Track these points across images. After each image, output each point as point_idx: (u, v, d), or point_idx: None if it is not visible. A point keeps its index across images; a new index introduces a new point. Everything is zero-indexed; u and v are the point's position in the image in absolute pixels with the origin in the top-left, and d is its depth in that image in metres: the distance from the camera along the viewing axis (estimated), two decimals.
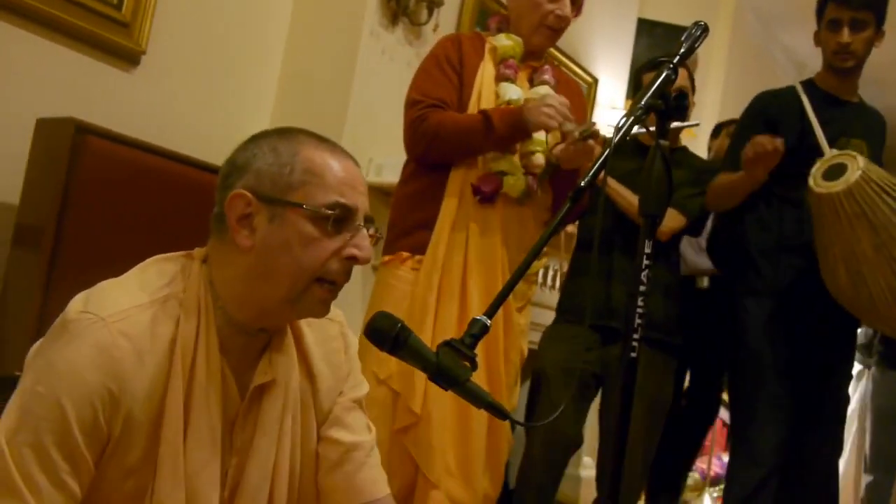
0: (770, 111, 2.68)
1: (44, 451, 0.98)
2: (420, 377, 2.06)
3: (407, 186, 2.28)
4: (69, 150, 2.05)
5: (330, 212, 1.09)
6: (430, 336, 2.09)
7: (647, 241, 1.29)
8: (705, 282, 3.55)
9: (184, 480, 1.07)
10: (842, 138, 2.57)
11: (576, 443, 2.74)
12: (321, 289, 1.11)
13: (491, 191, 2.15)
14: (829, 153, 2.39)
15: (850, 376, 2.75)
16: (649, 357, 2.50)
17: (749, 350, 2.66)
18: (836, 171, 2.30)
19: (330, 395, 1.26)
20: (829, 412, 2.69)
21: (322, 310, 1.15)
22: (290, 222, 1.09)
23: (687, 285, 3.94)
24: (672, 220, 2.63)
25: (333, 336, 1.29)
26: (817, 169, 2.34)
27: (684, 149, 2.99)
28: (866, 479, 4.22)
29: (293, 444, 1.21)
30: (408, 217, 2.23)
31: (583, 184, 1.22)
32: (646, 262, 1.29)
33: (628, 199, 2.60)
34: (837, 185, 2.26)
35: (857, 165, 2.25)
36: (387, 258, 2.25)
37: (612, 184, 2.61)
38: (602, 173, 1.28)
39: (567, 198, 1.24)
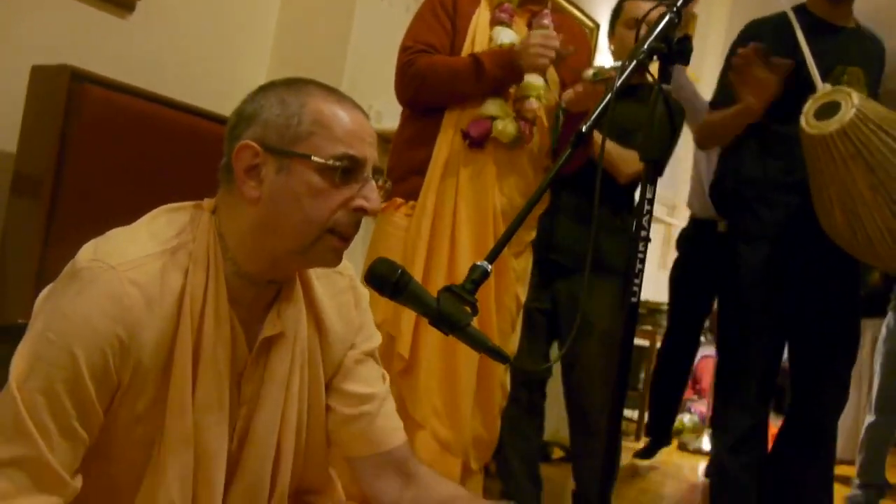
0: (760, 41, 2.55)
1: (55, 398, 0.99)
2: (407, 322, 2.09)
3: (403, 132, 2.28)
4: (65, 97, 2.04)
5: (338, 163, 1.08)
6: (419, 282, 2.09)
7: (648, 187, 1.28)
8: (722, 226, 3.57)
9: (192, 429, 1.08)
10: (838, 66, 2.50)
11: (535, 376, 2.83)
12: (332, 239, 1.11)
13: (479, 135, 2.13)
14: (822, 89, 2.30)
15: (855, 322, 2.70)
16: (603, 288, 2.58)
17: (740, 299, 2.63)
18: (829, 110, 2.22)
19: (340, 348, 1.27)
20: (832, 360, 2.63)
21: (333, 259, 1.14)
22: (297, 173, 1.08)
23: (708, 229, 4.00)
24: (633, 163, 2.62)
25: (343, 289, 1.29)
26: (809, 107, 2.25)
27: (650, 86, 2.92)
28: (868, 419, 4.28)
29: (301, 397, 1.22)
30: (402, 163, 2.23)
31: (584, 129, 1.21)
32: (647, 207, 1.28)
33: (616, 158, 2.63)
34: (831, 125, 2.18)
35: (852, 103, 2.17)
36: (384, 205, 2.24)
37: (608, 145, 2.61)
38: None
39: (568, 143, 1.23)
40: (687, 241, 4.35)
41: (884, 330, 4.30)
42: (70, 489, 1.01)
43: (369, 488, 1.27)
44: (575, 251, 2.75)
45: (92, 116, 2.06)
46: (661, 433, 4.52)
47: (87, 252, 1.06)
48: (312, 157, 1.08)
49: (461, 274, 2.17)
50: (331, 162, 1.08)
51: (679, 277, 4.37)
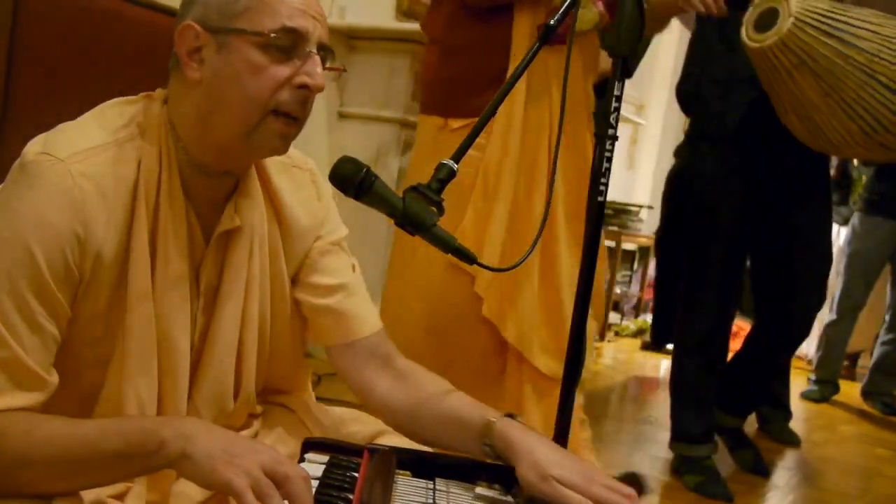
0: None
1: (20, 297, 0.97)
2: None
3: (456, 38, 2.06)
4: None
5: (275, 35, 1.05)
6: (507, 211, 2.01)
7: (617, 84, 1.26)
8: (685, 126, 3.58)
9: (153, 319, 1.08)
10: None
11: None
12: (277, 121, 1.07)
13: (564, 29, 2.02)
14: None
15: (827, 215, 2.69)
16: None
17: (702, 201, 2.64)
18: (768, 18, 2.12)
19: (304, 240, 1.26)
20: (803, 260, 2.64)
21: (280, 144, 1.11)
22: (236, 50, 1.05)
23: None
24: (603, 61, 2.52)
25: (304, 183, 1.27)
26: (749, 17, 2.18)
27: None
28: (829, 318, 4.38)
29: (262, 290, 1.21)
30: (465, 74, 2.04)
31: (552, 22, 1.18)
32: (614, 104, 1.27)
33: None
34: (769, 38, 2.10)
35: (789, 11, 2.07)
36: (439, 123, 2.08)
37: None
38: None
39: (538, 38, 1.20)
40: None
41: (848, 231, 4.36)
42: (49, 384, 1.01)
43: (357, 382, 1.27)
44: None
45: (41, 11, 1.98)
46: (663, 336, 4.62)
47: (36, 146, 1.03)
48: (248, 31, 1.04)
49: (564, 206, 2.05)
50: (269, 36, 1.04)
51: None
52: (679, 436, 2.76)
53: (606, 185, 1.27)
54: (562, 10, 1.20)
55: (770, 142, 2.47)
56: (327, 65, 1.11)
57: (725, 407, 2.88)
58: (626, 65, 1.27)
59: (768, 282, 2.73)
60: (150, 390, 1.08)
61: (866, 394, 4.47)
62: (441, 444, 1.21)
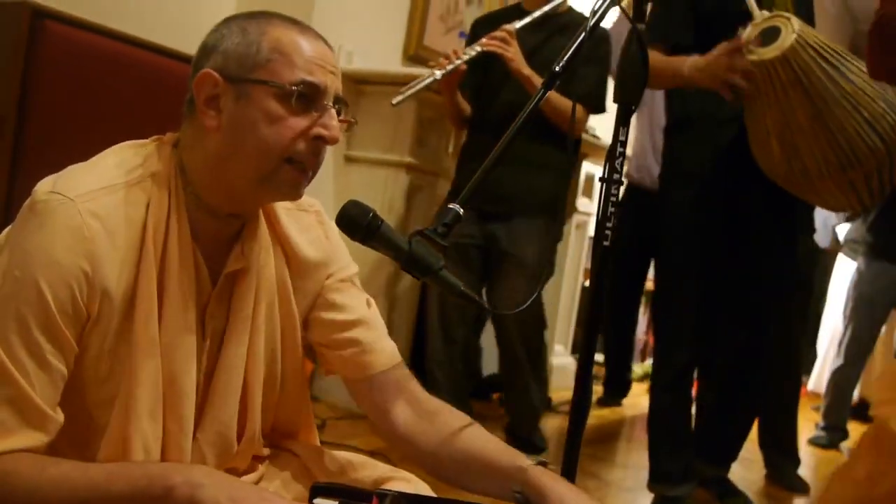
0: None
1: (28, 334, 0.98)
2: None
3: None
4: (27, 35, 1.98)
5: (294, 88, 1.07)
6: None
7: (621, 129, 1.27)
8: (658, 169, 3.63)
9: (160, 363, 1.08)
10: None
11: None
12: (292, 170, 1.09)
13: None
14: (760, 16, 2.21)
15: (791, 252, 2.65)
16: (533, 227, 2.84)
17: (673, 240, 2.63)
18: (769, 36, 2.14)
19: (315, 278, 1.26)
20: (774, 300, 2.65)
21: (292, 192, 1.13)
22: (255, 100, 1.07)
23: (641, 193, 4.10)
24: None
25: (311, 224, 1.28)
26: (749, 33, 2.18)
27: (570, 11, 2.99)
28: (836, 363, 4.35)
29: (271, 331, 1.21)
30: None
31: (557, 69, 1.19)
32: (619, 150, 1.27)
33: (561, 107, 2.79)
34: (771, 51, 2.11)
35: (792, 28, 2.10)
36: None
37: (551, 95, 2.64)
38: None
39: (543, 84, 1.22)
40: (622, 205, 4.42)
41: (855, 274, 4.34)
42: (55, 422, 1.01)
43: (379, 417, 1.27)
44: (507, 195, 2.93)
45: (54, 54, 2.01)
46: (618, 384, 4.61)
47: (46, 185, 1.05)
48: (269, 83, 1.06)
49: None
50: (288, 87, 1.06)
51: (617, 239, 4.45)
52: (657, 477, 2.70)
53: (613, 229, 1.28)
54: (567, 55, 1.21)
55: (741, 183, 2.47)
56: (341, 116, 1.13)
57: (706, 456, 2.83)
58: (631, 112, 1.29)
59: (732, 321, 2.74)
60: (154, 432, 1.08)
61: None
62: (464, 483, 1.21)
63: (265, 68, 1.07)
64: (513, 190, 2.92)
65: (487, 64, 2.93)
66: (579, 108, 2.82)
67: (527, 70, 2.79)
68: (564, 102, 2.80)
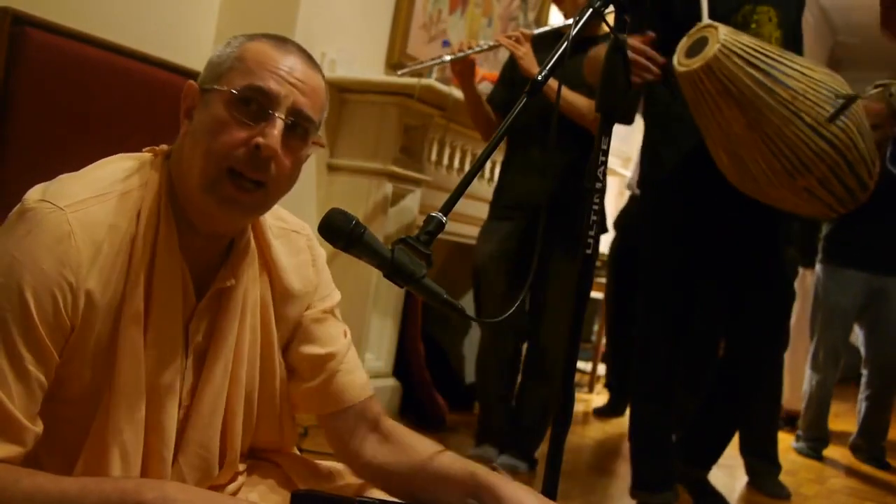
0: None
1: (9, 342, 0.97)
2: None
3: None
4: (7, 42, 1.97)
5: (235, 92, 1.05)
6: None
7: (603, 138, 1.28)
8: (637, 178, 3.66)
9: (143, 374, 1.07)
10: (746, 6, 2.40)
11: (519, 328, 3.03)
12: (230, 184, 1.05)
13: None
14: (696, 27, 2.17)
15: (774, 259, 2.64)
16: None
17: (651, 248, 2.64)
18: (699, 47, 2.11)
19: (297, 306, 1.25)
20: (757, 305, 2.63)
21: (227, 208, 1.07)
22: (210, 107, 1.07)
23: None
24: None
25: (301, 248, 1.28)
26: (682, 45, 2.17)
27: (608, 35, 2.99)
28: (812, 377, 4.35)
29: (252, 354, 1.20)
30: None
31: (539, 78, 1.20)
32: (601, 159, 1.28)
33: (578, 106, 2.76)
34: (695, 62, 2.08)
35: (717, 38, 2.06)
36: None
37: (565, 93, 2.69)
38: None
39: (523, 93, 1.22)
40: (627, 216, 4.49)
41: (818, 286, 4.31)
42: (31, 434, 1.00)
43: (346, 448, 1.26)
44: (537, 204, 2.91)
45: (35, 61, 1.99)
46: (620, 396, 4.57)
47: (36, 193, 1.04)
48: (220, 88, 1.06)
49: None
50: (233, 92, 1.05)
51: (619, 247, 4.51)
52: (639, 484, 2.70)
53: (596, 237, 1.28)
54: (548, 65, 1.22)
55: (710, 189, 2.44)
56: (297, 132, 1.09)
57: (688, 458, 2.84)
58: (613, 120, 1.29)
59: (715, 328, 2.75)
60: (135, 445, 1.07)
61: (855, 448, 4.44)
62: (420, 497, 1.20)
63: (225, 76, 1.07)
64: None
65: (514, 79, 3.01)
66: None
67: (535, 71, 2.76)
68: (590, 107, 2.76)
